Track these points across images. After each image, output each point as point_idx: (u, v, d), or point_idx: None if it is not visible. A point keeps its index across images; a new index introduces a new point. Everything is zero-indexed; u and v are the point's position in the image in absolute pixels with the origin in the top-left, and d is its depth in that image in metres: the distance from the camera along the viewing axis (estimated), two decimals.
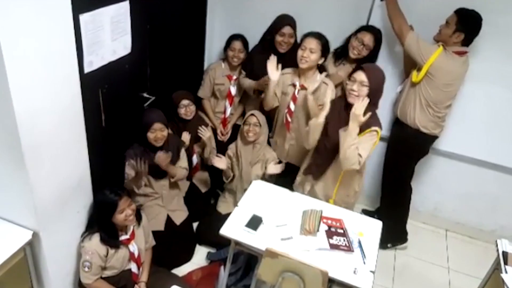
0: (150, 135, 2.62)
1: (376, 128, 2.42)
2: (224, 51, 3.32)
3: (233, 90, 3.34)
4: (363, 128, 2.42)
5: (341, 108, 2.51)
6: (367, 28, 2.94)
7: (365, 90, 2.36)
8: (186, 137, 3.04)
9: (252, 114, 2.94)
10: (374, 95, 2.40)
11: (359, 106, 2.34)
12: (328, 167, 2.62)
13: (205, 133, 3.10)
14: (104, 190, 2.28)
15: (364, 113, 2.34)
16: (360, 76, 2.37)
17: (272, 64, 2.83)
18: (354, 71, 2.44)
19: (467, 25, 2.67)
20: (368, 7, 3.07)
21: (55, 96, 1.90)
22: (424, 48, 2.72)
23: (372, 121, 2.42)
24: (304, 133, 2.71)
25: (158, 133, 2.63)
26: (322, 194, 2.70)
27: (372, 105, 2.42)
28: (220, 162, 2.98)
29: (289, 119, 2.88)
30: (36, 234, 2.06)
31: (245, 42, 3.27)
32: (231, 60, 3.27)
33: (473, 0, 2.67)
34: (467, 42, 2.73)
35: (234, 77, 3.32)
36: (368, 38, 2.88)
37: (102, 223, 2.29)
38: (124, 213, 2.27)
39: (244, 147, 3.03)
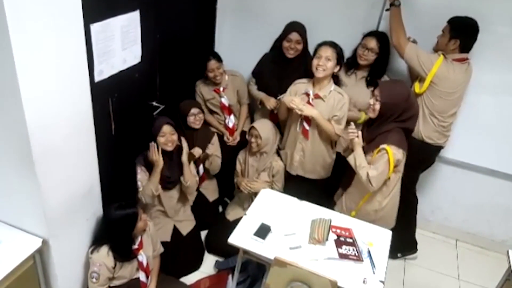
0: (161, 139, 2.63)
1: (384, 146, 2.36)
2: (204, 74, 3.24)
3: (225, 101, 3.30)
4: (375, 146, 2.41)
5: (367, 122, 2.52)
6: (370, 34, 2.95)
7: (377, 105, 2.36)
8: (198, 151, 3.02)
9: (252, 127, 2.93)
10: (389, 111, 2.36)
11: (346, 134, 2.43)
12: (353, 179, 2.60)
13: (196, 151, 3.03)
14: (114, 207, 2.28)
15: (377, 131, 2.40)
16: (376, 90, 2.39)
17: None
18: (377, 85, 2.44)
19: (460, 30, 2.69)
20: (377, 17, 3.08)
21: (66, 105, 1.92)
22: (424, 59, 2.73)
23: (384, 139, 2.39)
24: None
25: (168, 136, 2.64)
26: (346, 206, 2.68)
27: (393, 122, 2.38)
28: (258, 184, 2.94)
29: (307, 127, 2.85)
30: (46, 242, 2.07)
31: (218, 58, 3.20)
32: (214, 80, 3.22)
33: (474, 10, 2.68)
34: (465, 48, 2.73)
35: (221, 89, 3.27)
36: (372, 43, 2.89)
37: (120, 238, 2.30)
38: (142, 219, 2.32)
39: (251, 156, 3.03)
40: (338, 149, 2.94)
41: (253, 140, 2.92)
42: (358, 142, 2.45)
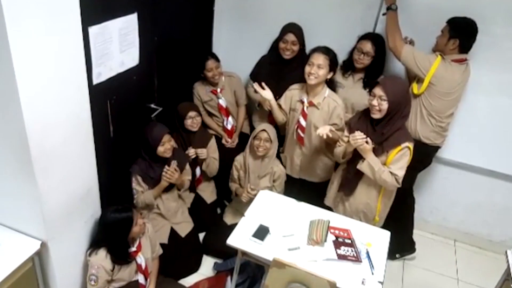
0: (161, 149, 2.63)
1: (407, 144, 2.40)
2: (202, 74, 3.25)
3: (223, 103, 3.30)
4: (392, 145, 2.41)
5: (368, 124, 2.49)
6: (365, 37, 2.95)
7: (384, 104, 2.35)
8: (192, 152, 3.03)
9: (264, 130, 2.90)
10: (396, 108, 2.37)
11: (356, 141, 2.39)
12: (358, 182, 2.59)
13: (191, 153, 3.06)
14: (110, 211, 2.29)
15: (389, 131, 2.40)
16: (378, 91, 2.36)
17: (258, 88, 2.91)
18: (373, 86, 2.43)
19: (460, 30, 2.69)
20: (374, 19, 3.08)
21: (64, 107, 1.92)
22: (421, 60, 2.73)
23: (401, 137, 2.40)
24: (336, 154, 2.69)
25: (167, 144, 2.65)
26: (360, 209, 2.65)
27: (400, 118, 2.41)
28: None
29: (302, 135, 2.88)
30: (44, 244, 2.07)
31: (216, 58, 3.22)
32: (212, 80, 3.23)
33: (473, 11, 2.69)
34: (464, 48, 2.73)
35: (219, 90, 3.28)
36: (367, 46, 2.89)
37: (116, 241, 2.30)
38: (138, 224, 2.31)
39: (253, 161, 3.00)
40: (337, 159, 2.77)
41: (262, 144, 2.88)
42: (369, 148, 2.42)
